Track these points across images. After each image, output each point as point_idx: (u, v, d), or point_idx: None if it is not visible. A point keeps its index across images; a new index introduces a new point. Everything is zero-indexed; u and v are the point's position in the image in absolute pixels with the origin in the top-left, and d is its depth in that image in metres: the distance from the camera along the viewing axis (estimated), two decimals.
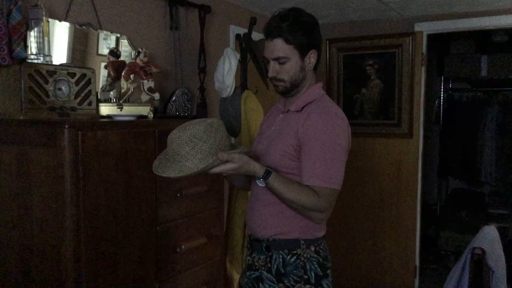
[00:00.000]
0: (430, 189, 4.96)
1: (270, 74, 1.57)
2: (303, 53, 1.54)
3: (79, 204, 1.50)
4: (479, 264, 2.07)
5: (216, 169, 1.37)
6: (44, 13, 1.79)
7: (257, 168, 1.42)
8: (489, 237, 2.19)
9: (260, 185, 1.44)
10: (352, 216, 3.76)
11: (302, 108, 1.56)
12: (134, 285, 1.72)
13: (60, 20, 1.99)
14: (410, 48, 3.47)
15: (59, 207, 1.49)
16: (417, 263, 3.65)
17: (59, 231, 1.50)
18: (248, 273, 1.65)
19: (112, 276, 1.63)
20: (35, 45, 1.80)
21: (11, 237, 1.65)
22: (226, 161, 1.36)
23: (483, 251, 2.07)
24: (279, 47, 1.52)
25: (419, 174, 3.59)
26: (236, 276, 2.49)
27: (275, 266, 1.55)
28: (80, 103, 1.85)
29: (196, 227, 2.02)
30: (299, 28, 1.51)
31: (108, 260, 1.62)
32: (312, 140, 1.47)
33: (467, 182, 4.93)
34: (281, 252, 1.54)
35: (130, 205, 1.69)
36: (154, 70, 2.23)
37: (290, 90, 1.58)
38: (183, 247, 1.94)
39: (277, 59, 1.54)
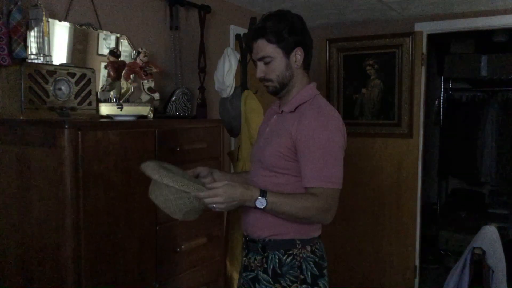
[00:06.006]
0: (430, 189, 4.96)
1: (258, 74, 1.58)
2: (287, 52, 1.54)
3: (79, 204, 1.50)
4: (479, 264, 2.07)
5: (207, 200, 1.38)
6: (44, 13, 1.79)
7: (251, 188, 1.43)
8: (489, 237, 2.19)
9: (260, 206, 1.41)
10: (352, 216, 3.76)
11: (296, 108, 1.56)
12: (134, 285, 1.72)
13: (60, 20, 2.00)
14: (410, 48, 3.47)
15: (59, 207, 1.49)
16: (417, 263, 3.65)
17: (59, 231, 1.50)
18: (244, 274, 1.66)
19: (112, 276, 1.63)
20: (35, 45, 1.80)
21: (11, 237, 1.65)
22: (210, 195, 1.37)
23: (483, 251, 2.07)
24: (262, 47, 1.54)
25: (419, 174, 3.59)
26: (236, 276, 2.49)
27: (271, 266, 1.55)
28: (80, 103, 1.85)
29: (196, 227, 2.02)
30: (282, 28, 1.52)
31: (108, 260, 1.62)
32: (308, 141, 1.47)
33: (467, 182, 4.93)
34: (277, 252, 1.54)
35: (130, 205, 1.69)
36: (154, 70, 2.23)
37: (280, 90, 1.59)
38: (183, 247, 1.94)
39: (262, 59, 1.56)
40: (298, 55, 1.56)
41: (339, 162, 1.50)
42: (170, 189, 1.35)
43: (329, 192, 1.46)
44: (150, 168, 1.39)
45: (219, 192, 1.37)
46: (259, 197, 1.41)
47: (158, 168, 1.38)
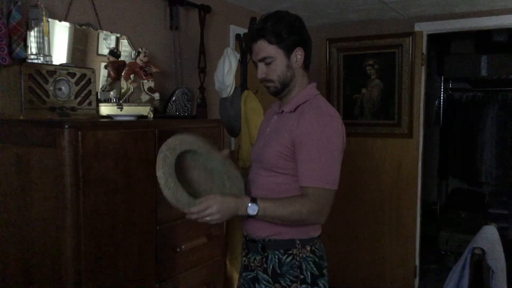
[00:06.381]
0: (430, 189, 4.96)
1: (259, 76, 1.58)
2: (288, 52, 1.55)
3: (79, 204, 1.50)
4: (479, 264, 2.07)
5: (193, 216, 1.41)
6: (44, 13, 1.80)
7: (242, 197, 1.44)
8: (489, 237, 2.19)
9: (252, 213, 1.43)
10: (352, 216, 3.76)
11: (296, 108, 1.56)
12: (134, 285, 1.72)
13: (60, 20, 2.00)
14: (410, 48, 3.47)
15: (59, 207, 1.49)
16: (417, 263, 3.65)
17: (59, 231, 1.50)
18: (244, 274, 1.66)
19: (112, 276, 1.63)
20: (35, 45, 1.80)
21: (11, 237, 1.65)
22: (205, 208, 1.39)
23: (483, 251, 2.07)
24: (263, 48, 1.54)
25: (419, 174, 3.59)
26: (236, 276, 2.49)
27: (271, 266, 1.55)
28: (80, 103, 1.85)
29: (196, 227, 2.02)
30: (282, 28, 1.52)
31: (108, 260, 1.62)
32: (307, 140, 1.47)
33: (467, 182, 4.92)
34: (276, 252, 1.54)
35: (130, 205, 1.69)
36: (154, 70, 2.23)
37: (281, 90, 1.59)
38: (183, 247, 1.94)
39: (263, 60, 1.55)
40: (298, 55, 1.56)
41: (336, 163, 1.50)
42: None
43: (323, 193, 1.46)
44: (161, 164, 1.39)
45: (211, 203, 1.39)
46: (250, 204, 1.42)
47: (170, 172, 1.39)
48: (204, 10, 2.76)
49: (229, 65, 2.49)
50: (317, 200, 1.45)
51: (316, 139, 1.47)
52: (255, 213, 1.43)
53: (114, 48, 2.22)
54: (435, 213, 4.80)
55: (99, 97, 2.06)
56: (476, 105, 4.64)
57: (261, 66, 1.57)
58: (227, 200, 1.42)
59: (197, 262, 2.04)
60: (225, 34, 3.16)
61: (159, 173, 1.38)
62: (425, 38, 3.57)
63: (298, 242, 1.54)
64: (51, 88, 1.75)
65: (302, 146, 1.48)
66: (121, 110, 2.00)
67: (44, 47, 1.81)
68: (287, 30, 1.52)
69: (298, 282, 1.52)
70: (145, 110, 2.05)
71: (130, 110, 2.02)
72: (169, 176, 1.38)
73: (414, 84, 3.49)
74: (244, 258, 1.67)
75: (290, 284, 1.52)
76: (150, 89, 2.20)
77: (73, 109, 1.82)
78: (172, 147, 1.43)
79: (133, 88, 2.22)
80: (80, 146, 1.49)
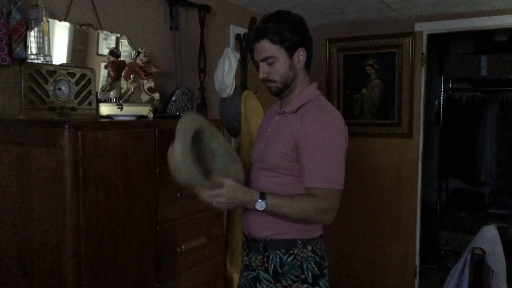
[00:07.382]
0: (430, 189, 4.96)
1: (261, 75, 1.58)
2: (290, 52, 1.54)
3: (79, 204, 1.50)
4: (479, 264, 2.07)
5: (207, 193, 1.41)
6: (44, 13, 1.79)
7: (252, 192, 1.44)
8: (489, 237, 2.19)
9: (260, 209, 1.44)
10: (352, 216, 3.76)
11: (298, 109, 1.56)
12: (134, 285, 1.72)
13: (60, 20, 2.00)
14: (410, 48, 3.47)
15: (59, 207, 1.48)
16: (417, 263, 3.65)
17: (59, 231, 1.50)
18: (245, 273, 1.66)
19: (112, 276, 1.63)
20: (35, 45, 1.80)
21: (11, 236, 1.66)
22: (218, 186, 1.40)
23: (483, 251, 2.07)
24: (265, 48, 1.54)
25: (419, 174, 3.59)
26: (236, 276, 2.49)
27: (272, 266, 1.55)
28: (80, 103, 1.85)
29: (196, 227, 2.02)
30: (284, 28, 1.52)
31: (108, 260, 1.61)
32: (310, 141, 1.47)
33: (467, 182, 4.93)
34: (278, 252, 1.55)
35: (130, 205, 1.68)
36: (154, 70, 2.23)
37: (282, 90, 1.59)
38: (183, 247, 1.94)
39: (265, 60, 1.55)
40: (301, 55, 1.56)
41: (340, 162, 1.50)
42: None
43: (330, 193, 1.46)
44: (182, 139, 1.36)
45: (221, 193, 1.40)
46: (258, 200, 1.43)
47: (189, 149, 1.37)
48: (204, 10, 2.76)
49: (229, 65, 2.49)
50: (324, 200, 1.45)
51: (319, 139, 1.47)
52: (262, 209, 1.44)
53: (114, 48, 2.22)
54: (435, 213, 4.80)
55: (99, 97, 2.06)
56: (476, 105, 4.64)
57: (263, 66, 1.57)
58: (237, 194, 1.42)
59: (197, 262, 2.04)
60: (225, 34, 3.16)
61: (178, 149, 1.35)
62: (425, 38, 3.57)
63: (299, 242, 1.54)
64: (51, 88, 1.75)
65: (306, 147, 1.48)
66: (121, 110, 2.00)
67: (44, 47, 1.81)
68: (290, 30, 1.52)
69: (299, 282, 1.52)
70: (145, 110, 2.05)
71: (130, 110, 2.02)
72: (188, 154, 1.36)
73: (414, 84, 3.49)
74: (245, 258, 1.67)
75: (291, 283, 1.52)
76: (150, 89, 2.20)
77: (73, 109, 1.82)
78: (187, 127, 1.41)
79: (133, 88, 2.22)
80: (80, 146, 1.49)
